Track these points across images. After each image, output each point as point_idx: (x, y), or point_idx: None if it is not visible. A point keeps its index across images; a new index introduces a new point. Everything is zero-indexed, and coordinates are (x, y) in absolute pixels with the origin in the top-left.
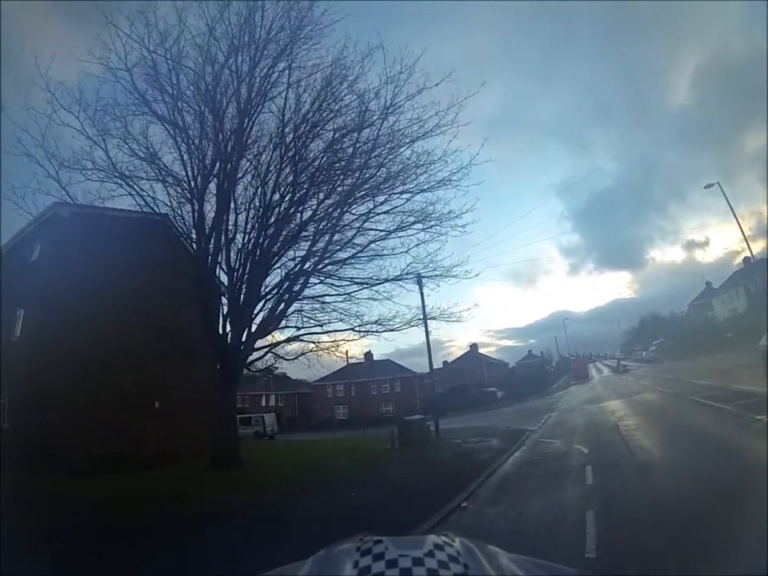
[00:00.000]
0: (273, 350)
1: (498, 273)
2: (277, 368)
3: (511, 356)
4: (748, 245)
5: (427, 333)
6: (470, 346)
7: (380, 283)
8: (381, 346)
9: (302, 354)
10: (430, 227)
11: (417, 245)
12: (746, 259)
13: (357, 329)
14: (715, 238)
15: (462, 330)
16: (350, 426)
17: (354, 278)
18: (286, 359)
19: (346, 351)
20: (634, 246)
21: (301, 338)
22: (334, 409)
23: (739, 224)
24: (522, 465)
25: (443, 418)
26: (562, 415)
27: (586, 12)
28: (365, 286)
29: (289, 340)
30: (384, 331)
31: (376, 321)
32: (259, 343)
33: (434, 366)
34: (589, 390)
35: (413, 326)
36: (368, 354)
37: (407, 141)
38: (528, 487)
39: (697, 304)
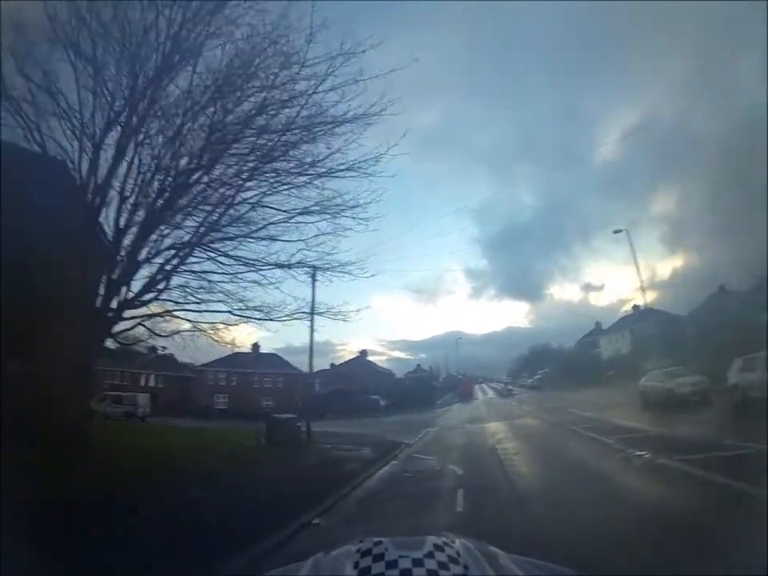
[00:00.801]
0: (144, 323)
1: (400, 284)
2: (157, 348)
3: (401, 367)
4: (643, 290)
5: (312, 328)
6: (360, 352)
7: (270, 268)
8: (274, 340)
9: (177, 332)
10: (332, 216)
11: (316, 235)
12: (635, 306)
13: (236, 312)
14: (610, 284)
15: (356, 336)
16: (228, 416)
17: (244, 258)
18: (158, 335)
19: (233, 339)
20: (537, 280)
21: (178, 315)
22: (213, 397)
23: (637, 267)
24: (391, 481)
25: (322, 420)
26: (442, 432)
27: (537, 51)
28: (254, 268)
29: (162, 314)
30: (264, 319)
31: (256, 307)
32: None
33: (322, 368)
34: (472, 409)
35: (296, 318)
36: (255, 346)
37: (328, 123)
38: (392, 508)
39: (585, 341)
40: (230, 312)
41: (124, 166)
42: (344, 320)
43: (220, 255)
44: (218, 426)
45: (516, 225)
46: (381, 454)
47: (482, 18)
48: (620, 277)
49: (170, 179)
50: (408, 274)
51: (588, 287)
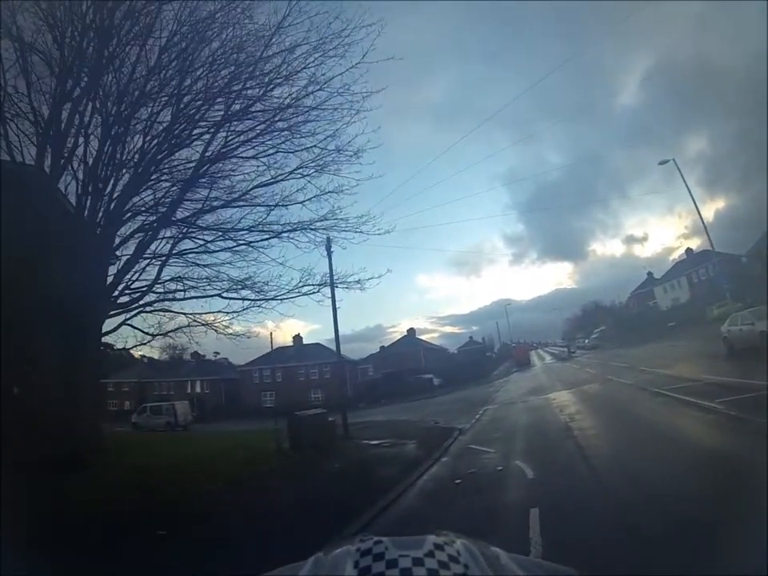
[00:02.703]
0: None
1: (441, 260)
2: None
3: (454, 342)
4: (707, 233)
5: (334, 301)
6: (408, 331)
7: (267, 237)
8: (322, 332)
9: (178, 328)
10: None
11: (316, 195)
12: (688, 250)
13: (225, 295)
14: (653, 234)
15: (406, 317)
16: (277, 414)
17: (224, 227)
18: (147, 333)
19: (271, 333)
20: (576, 238)
21: (170, 308)
22: (260, 395)
23: (693, 199)
24: (432, 495)
25: (376, 406)
26: (501, 409)
27: (541, 7)
28: (244, 241)
29: (146, 310)
30: (260, 299)
31: (244, 281)
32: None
33: (372, 352)
34: (531, 378)
35: (303, 293)
36: (296, 337)
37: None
38: None
39: (639, 293)
40: (218, 295)
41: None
42: (360, 289)
43: (202, 231)
44: (258, 427)
45: (547, 185)
46: (428, 449)
47: None
48: (662, 225)
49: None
50: (449, 249)
51: (630, 239)
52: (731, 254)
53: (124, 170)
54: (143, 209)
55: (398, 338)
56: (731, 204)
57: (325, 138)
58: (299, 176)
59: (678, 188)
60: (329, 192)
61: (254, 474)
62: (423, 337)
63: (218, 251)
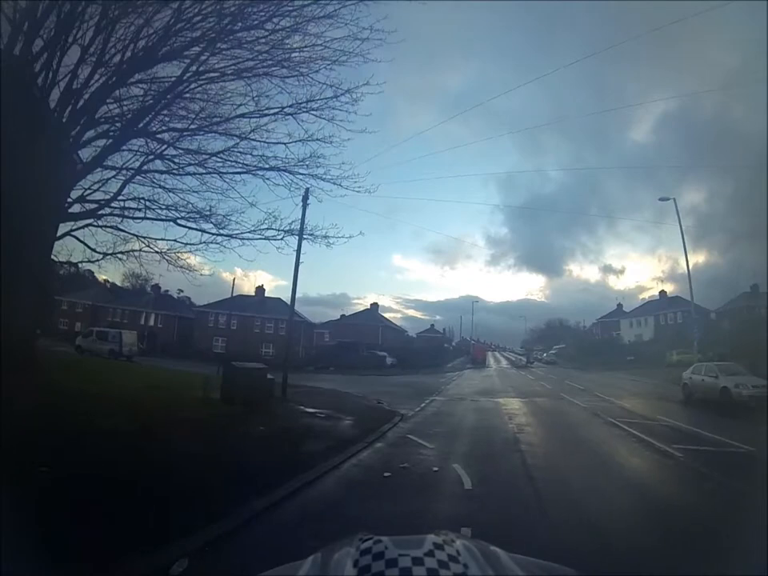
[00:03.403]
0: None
1: (421, 244)
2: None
3: (415, 326)
4: (690, 281)
5: (299, 254)
6: (371, 305)
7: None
8: (286, 288)
9: (129, 251)
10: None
11: (305, 139)
12: (661, 292)
13: (180, 221)
14: (630, 269)
15: (373, 291)
16: (226, 360)
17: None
18: (94, 250)
19: (234, 279)
20: (556, 255)
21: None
22: (212, 340)
23: (683, 237)
24: (354, 485)
25: (324, 373)
26: (449, 403)
27: (575, 24)
28: (212, 170)
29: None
30: (218, 235)
31: (202, 212)
32: None
33: (331, 319)
34: (484, 377)
35: (264, 237)
36: (259, 289)
37: None
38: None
39: (605, 321)
40: (173, 221)
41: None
42: (327, 245)
43: (172, 148)
44: (204, 370)
45: (540, 197)
46: (365, 429)
47: None
48: (641, 263)
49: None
50: (429, 235)
51: (608, 269)
52: (702, 307)
53: (103, 68)
54: (115, 117)
55: (361, 310)
56: (711, 261)
57: (323, 85)
58: (288, 114)
59: (665, 230)
60: (318, 139)
61: (165, 421)
62: (387, 315)
63: (186, 175)
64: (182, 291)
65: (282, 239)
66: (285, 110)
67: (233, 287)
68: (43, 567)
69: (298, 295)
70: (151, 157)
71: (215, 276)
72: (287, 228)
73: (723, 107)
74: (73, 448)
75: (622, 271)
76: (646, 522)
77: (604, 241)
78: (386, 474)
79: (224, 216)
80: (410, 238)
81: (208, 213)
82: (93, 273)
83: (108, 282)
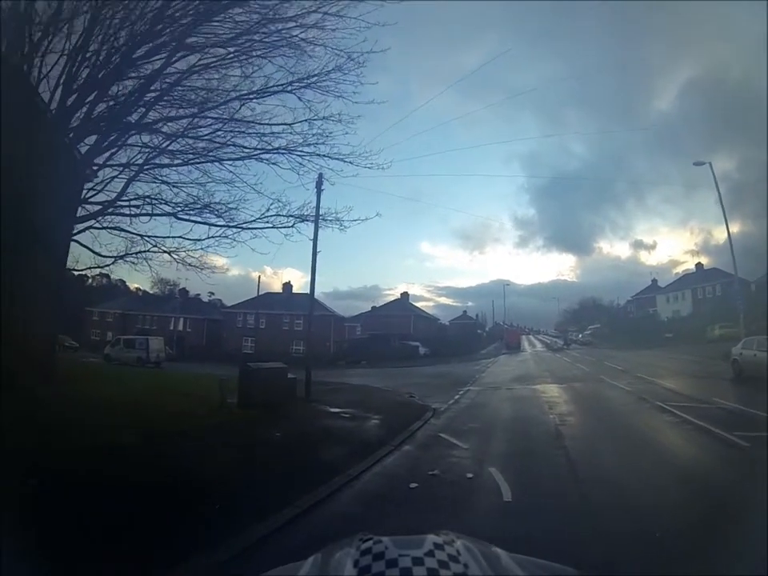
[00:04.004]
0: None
1: (448, 230)
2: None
3: (448, 314)
4: (732, 252)
5: (316, 238)
6: (401, 295)
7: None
8: (320, 285)
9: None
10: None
11: (310, 119)
12: (698, 265)
13: (181, 215)
14: (662, 244)
15: (405, 281)
16: (256, 361)
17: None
18: (97, 254)
19: (259, 277)
20: (585, 233)
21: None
22: (241, 340)
23: (722, 204)
24: (374, 502)
25: (356, 367)
26: (484, 394)
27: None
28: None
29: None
30: (223, 226)
31: (208, 205)
32: None
33: (362, 311)
34: (520, 363)
35: (273, 225)
36: (286, 285)
37: None
38: None
39: (640, 298)
40: (173, 215)
41: None
42: (340, 228)
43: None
44: (227, 372)
45: (565, 174)
46: (391, 430)
47: None
48: (672, 237)
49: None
50: (455, 220)
51: (639, 244)
52: (743, 278)
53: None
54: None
55: (392, 300)
56: (746, 231)
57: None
58: (289, 92)
59: (695, 201)
60: (324, 117)
61: (174, 431)
62: (419, 304)
63: (185, 165)
64: (213, 294)
65: (292, 226)
66: (286, 88)
67: (258, 285)
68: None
69: (328, 290)
70: (155, 152)
71: (246, 277)
72: (297, 214)
73: (749, 72)
74: (62, 459)
75: (653, 246)
76: (730, 542)
77: (633, 216)
78: (412, 486)
79: (225, 205)
80: (436, 223)
81: (215, 205)
82: (125, 282)
83: (140, 289)
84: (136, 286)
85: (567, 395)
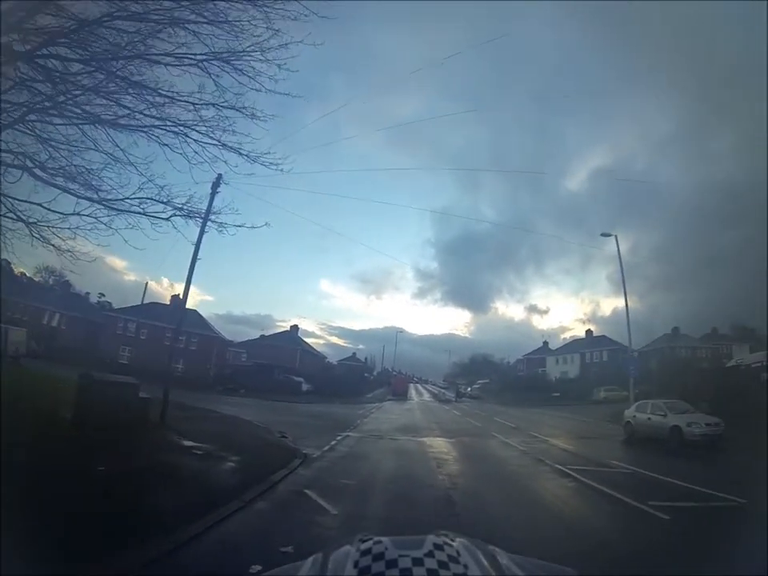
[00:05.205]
0: None
1: (349, 271)
2: (70, 284)
3: (337, 354)
4: (627, 318)
5: (199, 242)
6: (291, 327)
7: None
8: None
9: None
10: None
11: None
12: (588, 332)
13: (36, 170)
14: (555, 310)
15: (298, 315)
16: (128, 373)
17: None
18: None
19: (146, 283)
20: (483, 292)
21: None
22: (119, 348)
23: (623, 273)
24: None
25: (233, 395)
26: (364, 442)
27: (524, 71)
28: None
29: None
30: (90, 199)
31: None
32: None
33: (249, 338)
34: (406, 411)
35: (141, 212)
36: (175, 297)
37: None
38: None
39: (531, 358)
40: (26, 169)
41: None
42: (218, 230)
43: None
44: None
45: (473, 234)
46: (249, 477)
47: (479, 24)
48: (565, 305)
49: None
50: (358, 263)
51: (533, 309)
52: (627, 346)
53: None
54: None
55: (281, 331)
56: (631, 306)
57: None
58: (194, 63)
59: (588, 274)
60: (234, 107)
61: None
62: (310, 340)
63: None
64: (103, 296)
65: (168, 219)
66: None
67: (144, 292)
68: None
69: (221, 311)
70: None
71: (143, 285)
72: (179, 206)
73: (653, 166)
74: None
75: (546, 311)
76: None
77: (531, 281)
78: (252, 570)
79: (87, 170)
80: (339, 264)
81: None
82: (9, 263)
83: (25, 274)
84: (21, 270)
85: (458, 452)
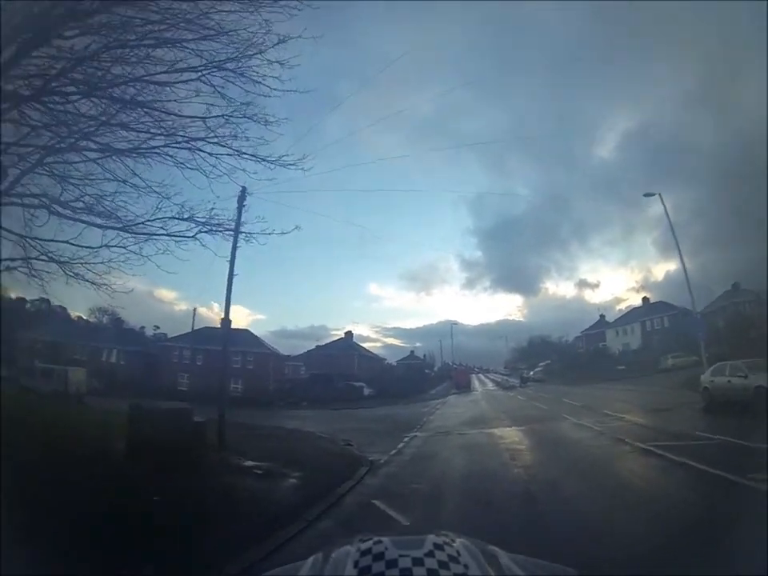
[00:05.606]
0: None
1: (395, 271)
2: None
3: (395, 354)
4: (685, 273)
5: (233, 258)
6: (345, 333)
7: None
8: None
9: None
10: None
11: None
12: (644, 299)
13: (54, 206)
14: (605, 283)
15: (352, 322)
16: (188, 399)
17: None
18: None
19: (194, 309)
20: (531, 274)
21: None
22: (177, 376)
23: (673, 231)
24: None
25: (295, 408)
26: (432, 441)
27: (539, 47)
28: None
29: None
30: (110, 228)
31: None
32: None
33: (306, 350)
34: (471, 404)
35: (166, 234)
36: (224, 320)
37: None
38: None
39: (589, 333)
40: (45, 207)
41: None
42: (245, 240)
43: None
44: None
45: (511, 218)
46: (310, 494)
47: (485, 13)
48: (615, 276)
49: None
50: (402, 262)
51: (583, 284)
52: (688, 309)
53: None
54: None
55: (335, 339)
56: (680, 268)
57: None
58: (197, 78)
59: (633, 243)
60: (244, 116)
61: None
62: (366, 344)
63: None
64: (158, 328)
65: (194, 237)
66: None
67: (193, 318)
68: None
69: (274, 328)
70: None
71: (196, 313)
72: (202, 221)
73: (681, 125)
74: None
75: (597, 285)
76: None
77: (577, 257)
78: None
79: (107, 200)
80: (383, 265)
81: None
82: (65, 308)
83: (81, 318)
84: (78, 314)
85: (530, 440)
